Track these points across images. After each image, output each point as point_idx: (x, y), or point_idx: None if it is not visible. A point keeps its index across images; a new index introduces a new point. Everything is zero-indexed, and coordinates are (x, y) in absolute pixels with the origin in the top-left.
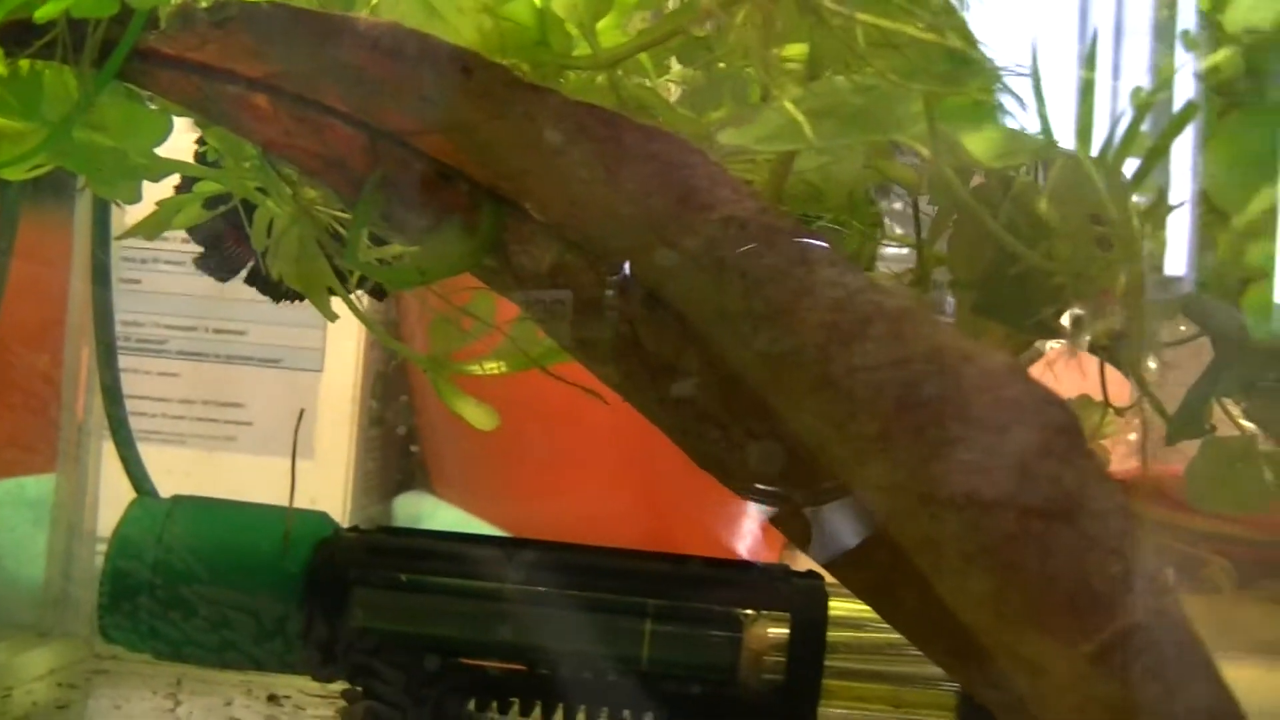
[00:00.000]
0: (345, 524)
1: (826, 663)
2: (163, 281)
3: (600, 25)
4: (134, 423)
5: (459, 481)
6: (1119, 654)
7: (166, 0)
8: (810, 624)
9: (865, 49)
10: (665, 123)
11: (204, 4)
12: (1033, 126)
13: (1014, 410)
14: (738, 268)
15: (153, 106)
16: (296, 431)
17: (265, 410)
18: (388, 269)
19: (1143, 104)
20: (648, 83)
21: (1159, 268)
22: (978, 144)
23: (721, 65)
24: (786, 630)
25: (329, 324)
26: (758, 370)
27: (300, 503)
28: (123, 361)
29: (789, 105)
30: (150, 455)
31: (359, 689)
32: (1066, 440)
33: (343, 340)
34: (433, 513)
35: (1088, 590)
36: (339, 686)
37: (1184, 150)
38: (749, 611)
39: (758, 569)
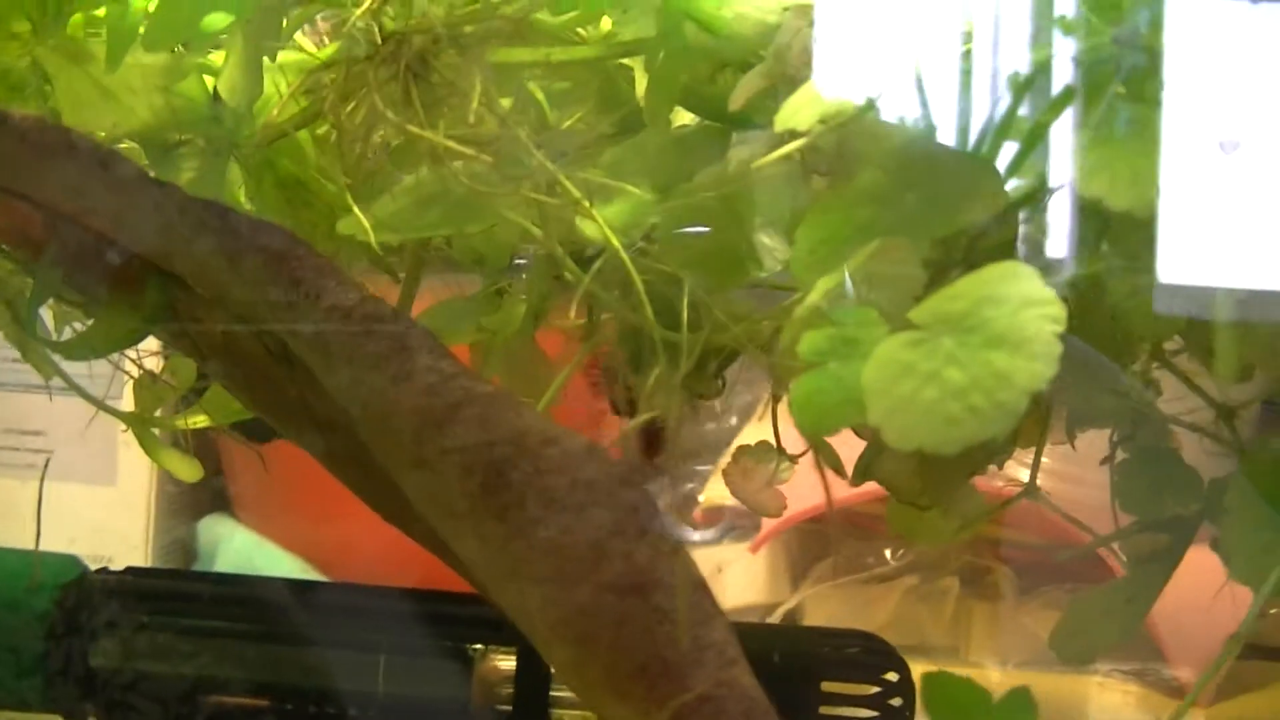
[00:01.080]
0: (149, 547)
1: (556, 693)
2: None
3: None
4: None
5: (256, 506)
6: None
7: None
8: (535, 656)
9: (444, 151)
10: (317, 197)
11: None
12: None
13: (590, 491)
14: (342, 354)
15: None
16: (44, 473)
17: (66, 438)
18: (65, 343)
19: (1020, 88)
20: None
21: None
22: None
23: None
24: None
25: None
26: (372, 445)
27: (104, 528)
28: None
29: (357, 214)
30: None
31: None
32: (639, 520)
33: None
34: (230, 536)
35: (659, 660)
36: None
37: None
38: (478, 646)
39: (487, 603)
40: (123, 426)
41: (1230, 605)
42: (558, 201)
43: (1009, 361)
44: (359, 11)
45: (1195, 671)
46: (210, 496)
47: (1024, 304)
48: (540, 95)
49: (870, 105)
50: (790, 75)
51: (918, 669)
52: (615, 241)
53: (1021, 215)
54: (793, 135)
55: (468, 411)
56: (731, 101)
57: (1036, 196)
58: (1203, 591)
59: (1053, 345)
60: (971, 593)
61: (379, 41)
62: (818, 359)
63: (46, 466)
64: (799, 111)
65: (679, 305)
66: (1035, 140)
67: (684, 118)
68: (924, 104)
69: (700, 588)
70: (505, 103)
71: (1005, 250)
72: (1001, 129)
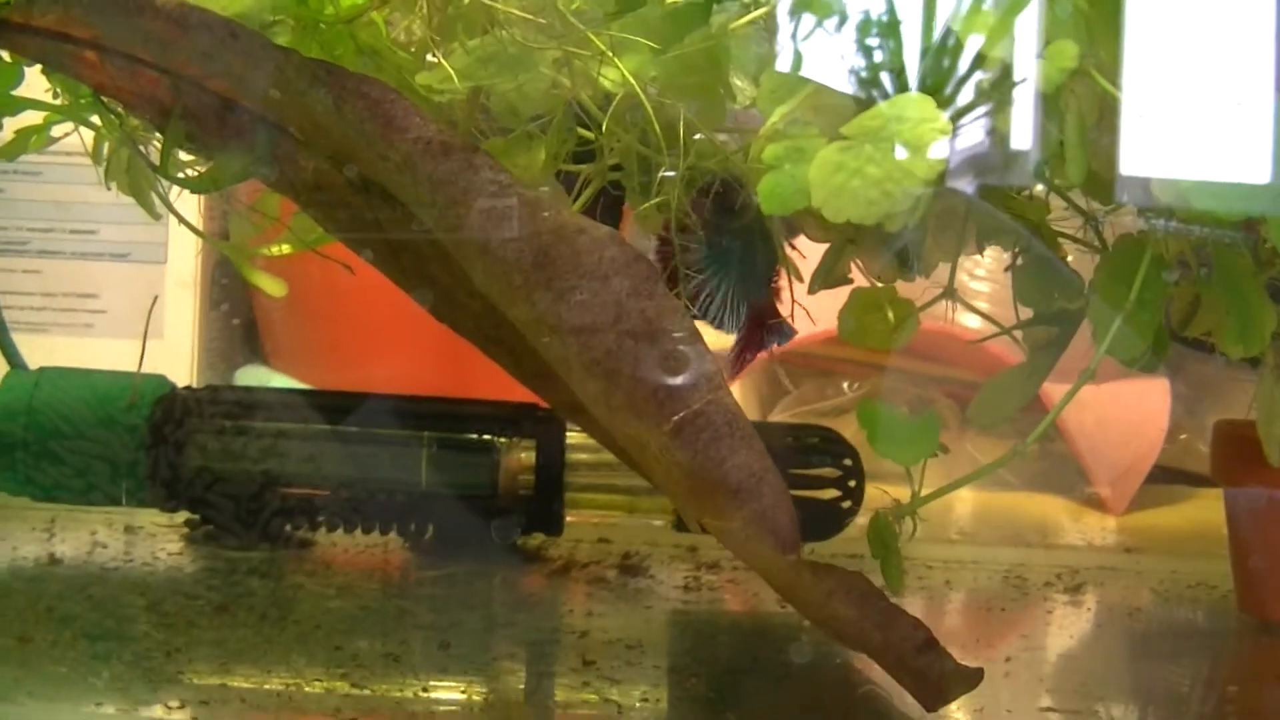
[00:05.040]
0: None
1: (569, 479)
2: (22, 189)
3: None
4: (4, 315)
5: (289, 353)
6: (688, 430)
7: None
8: (551, 448)
9: (503, 18)
10: (388, 62)
11: None
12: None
13: (612, 265)
14: (425, 172)
15: (7, 59)
16: (150, 312)
17: (117, 299)
18: (191, 179)
19: None
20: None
21: None
22: (610, 73)
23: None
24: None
25: (171, 221)
26: (449, 244)
27: None
28: None
29: (444, 61)
30: (20, 343)
31: (199, 518)
32: (650, 285)
33: (184, 233)
34: (266, 382)
35: (665, 386)
36: (184, 517)
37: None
38: (503, 440)
39: (510, 406)
40: (166, 288)
41: (1140, 437)
42: (587, 53)
43: (911, 161)
44: None
45: (1111, 489)
46: (247, 348)
47: (920, 121)
48: None
49: None
50: None
51: (873, 491)
52: (633, 81)
53: None
54: (756, 5)
55: (521, 210)
56: None
57: None
58: (1117, 423)
59: (941, 149)
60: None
61: None
62: (777, 163)
63: (154, 303)
64: None
65: (674, 139)
66: (1000, 34)
67: None
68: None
69: (696, 335)
70: None
71: None
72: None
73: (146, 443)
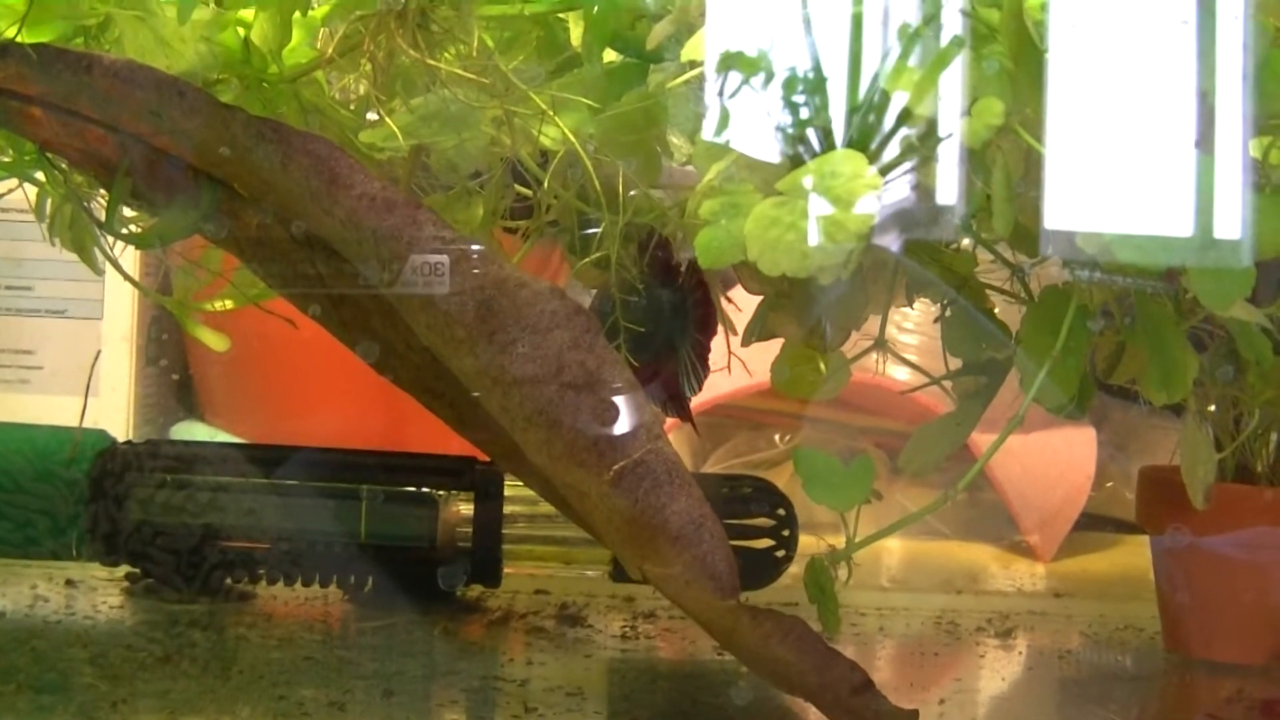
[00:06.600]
0: None
1: (507, 531)
2: None
3: (293, 46)
4: None
5: (225, 409)
6: (628, 478)
7: None
8: (489, 500)
9: (445, 77)
10: (331, 120)
11: None
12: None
13: (553, 318)
14: (369, 227)
15: None
16: (94, 366)
17: (54, 355)
18: (136, 234)
19: (910, 39)
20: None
21: None
22: (550, 131)
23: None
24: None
25: (108, 276)
26: (391, 298)
27: None
28: None
29: (388, 119)
30: None
31: (139, 571)
32: (589, 337)
33: (121, 289)
34: (202, 437)
35: (605, 436)
36: (124, 570)
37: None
38: (443, 493)
39: (449, 459)
40: (102, 345)
41: (1067, 484)
42: (527, 111)
43: (843, 215)
44: None
45: (1040, 535)
46: (182, 403)
47: (852, 176)
48: (490, 42)
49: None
50: (690, 22)
51: (806, 542)
52: (572, 138)
53: None
54: (692, 65)
55: (463, 265)
56: (649, 42)
57: None
58: (1044, 471)
59: (872, 204)
60: None
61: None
62: (713, 218)
63: (97, 357)
64: (697, 47)
65: (612, 195)
66: (925, 91)
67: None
68: (812, 48)
69: (634, 385)
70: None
71: None
72: (892, 76)
73: (87, 497)
